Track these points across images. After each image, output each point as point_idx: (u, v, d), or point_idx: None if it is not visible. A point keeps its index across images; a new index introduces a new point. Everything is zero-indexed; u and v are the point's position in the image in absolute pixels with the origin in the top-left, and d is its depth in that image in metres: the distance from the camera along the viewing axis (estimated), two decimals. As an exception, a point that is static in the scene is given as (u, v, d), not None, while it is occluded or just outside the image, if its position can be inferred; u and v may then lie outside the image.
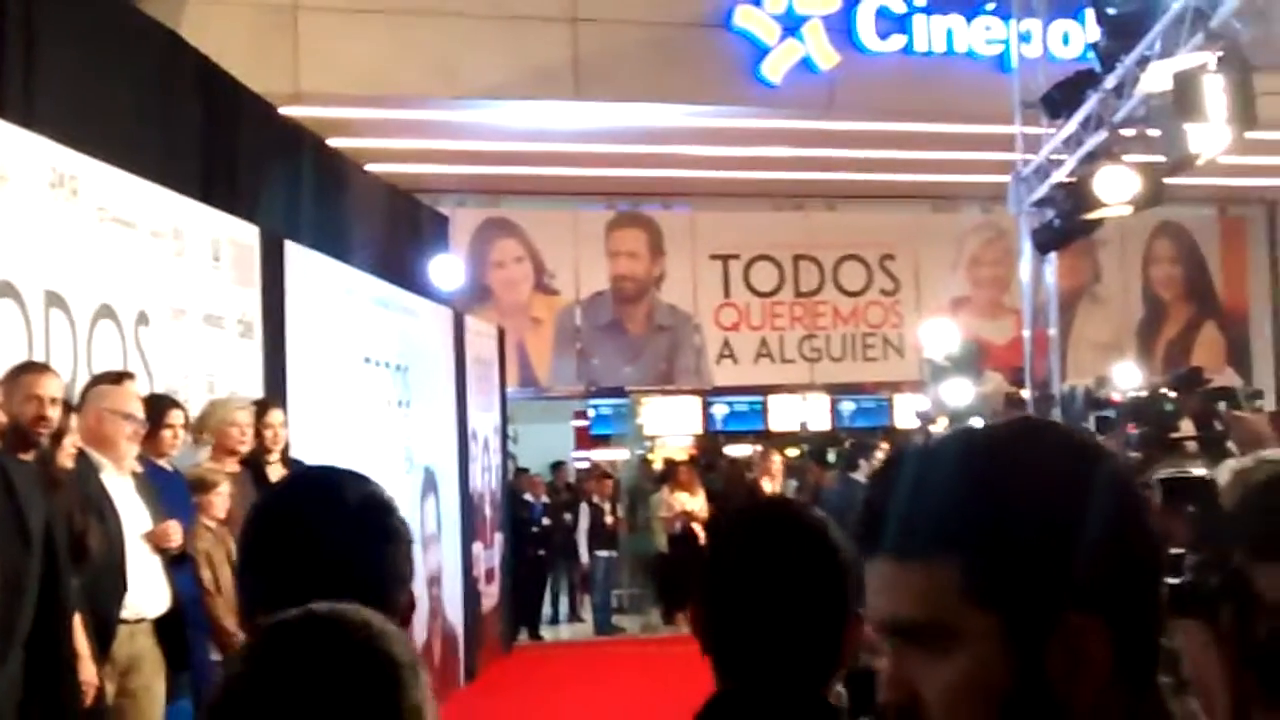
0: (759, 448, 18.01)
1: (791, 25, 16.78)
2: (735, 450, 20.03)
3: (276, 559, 1.85)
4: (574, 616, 16.86)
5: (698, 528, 14.96)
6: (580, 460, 19.84)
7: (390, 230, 12.71)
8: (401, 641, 1.44)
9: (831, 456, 15.08)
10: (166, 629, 5.71)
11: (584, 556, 16.13)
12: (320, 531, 1.86)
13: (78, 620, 5.18)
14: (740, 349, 20.70)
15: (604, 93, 15.48)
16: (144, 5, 7.89)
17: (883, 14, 17.11)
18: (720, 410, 21.11)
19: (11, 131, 5.87)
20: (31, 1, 6.48)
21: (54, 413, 5.16)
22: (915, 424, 18.89)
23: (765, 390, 21.02)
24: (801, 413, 20.80)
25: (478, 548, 13.17)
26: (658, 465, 18.72)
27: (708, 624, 2.09)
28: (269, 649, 1.40)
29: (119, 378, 5.90)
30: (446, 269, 13.70)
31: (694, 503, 15.34)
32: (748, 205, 20.12)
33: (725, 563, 2.12)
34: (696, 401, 21.00)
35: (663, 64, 15.52)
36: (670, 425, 21.06)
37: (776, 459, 14.66)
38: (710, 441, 20.51)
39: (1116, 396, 12.90)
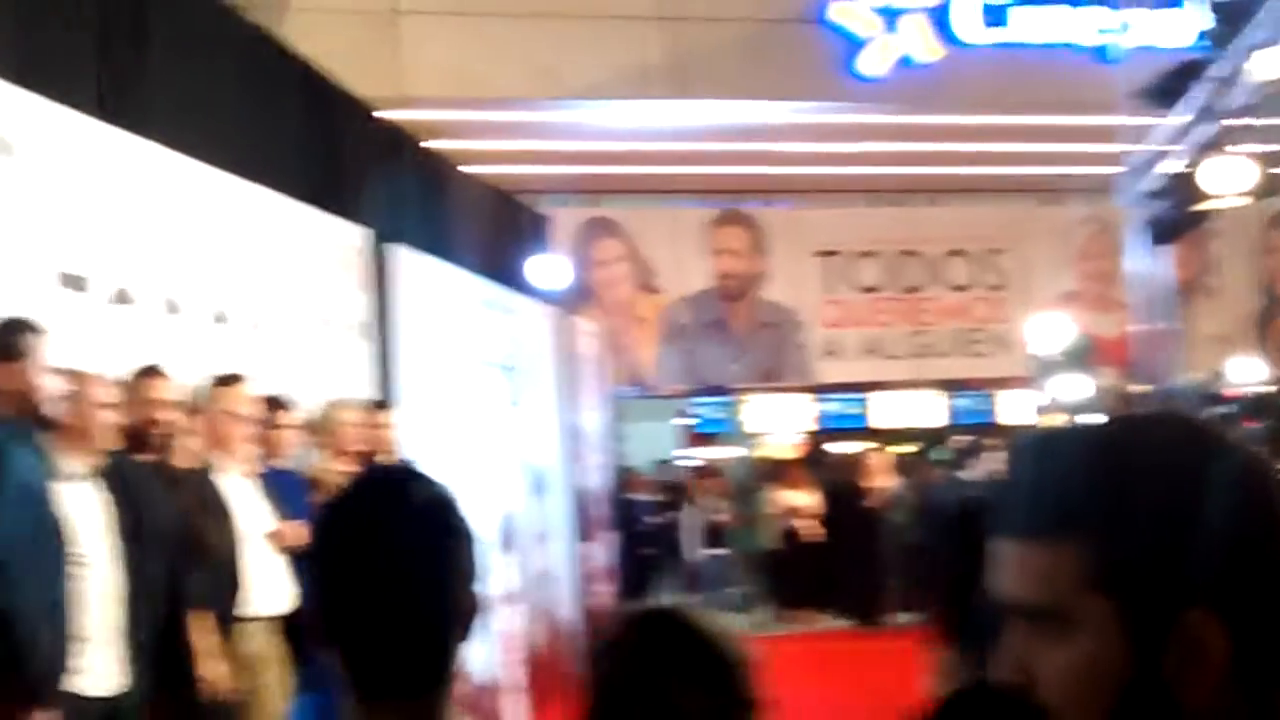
0: (865, 445, 17.91)
1: (888, 19, 16.66)
2: (838, 448, 19.91)
3: (341, 556, 1.86)
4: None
5: (802, 524, 14.90)
6: (686, 459, 19.82)
7: (493, 231, 12.76)
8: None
9: (937, 454, 14.97)
10: (289, 626, 5.77)
11: (692, 555, 16.10)
12: (383, 528, 1.86)
13: (201, 618, 5.25)
14: (844, 346, 20.56)
15: (702, 90, 15.46)
16: (249, 13, 7.98)
17: (984, 7, 16.94)
18: (824, 407, 20.99)
19: (126, 139, 5.96)
20: (141, 12, 6.58)
21: (170, 416, 5.23)
22: (1023, 420, 18.69)
23: (869, 387, 20.86)
24: (906, 409, 20.65)
25: (587, 546, 13.18)
26: (765, 462, 18.66)
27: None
28: (637, 638, 1.56)
29: (234, 380, 5.98)
30: (549, 269, 13.74)
31: (802, 500, 15.26)
32: (849, 201, 19.99)
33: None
34: (801, 399, 20.90)
35: (759, 60, 15.47)
36: (774, 423, 20.98)
37: (882, 456, 14.53)
38: (815, 439, 20.40)
39: (1232, 391, 12.65)
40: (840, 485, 15.71)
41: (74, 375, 4.62)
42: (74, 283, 5.40)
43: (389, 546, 1.84)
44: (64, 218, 5.35)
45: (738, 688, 1.57)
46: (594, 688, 1.53)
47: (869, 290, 20.70)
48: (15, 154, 5.05)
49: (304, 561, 1.93)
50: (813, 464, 17.53)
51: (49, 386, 4.33)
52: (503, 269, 12.05)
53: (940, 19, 16.96)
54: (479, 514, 9.12)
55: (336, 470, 6.68)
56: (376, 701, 1.75)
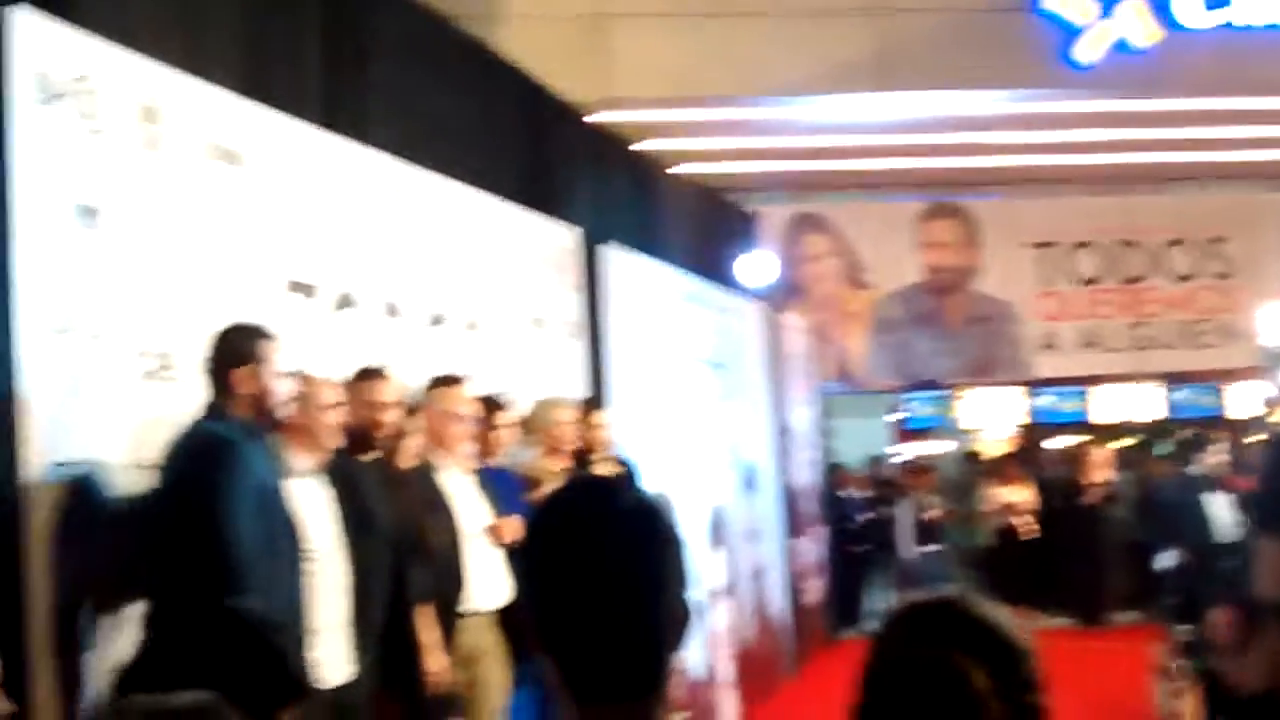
0: (1083, 439, 17.53)
1: (1105, 4, 16.26)
2: (1055, 443, 19.53)
3: (553, 564, 1.90)
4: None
5: (1018, 521, 14.66)
6: (898, 454, 19.65)
7: (701, 229, 12.85)
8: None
9: (1160, 448, 14.57)
10: (508, 620, 5.91)
11: (906, 551, 15.97)
12: (596, 536, 1.89)
13: (424, 612, 5.42)
14: (1063, 339, 20.13)
15: (911, 82, 15.27)
16: (464, 23, 8.19)
17: (1203, -11, 16.41)
18: (1041, 402, 20.59)
19: (348, 148, 6.18)
20: (362, 24, 6.81)
21: (392, 416, 5.40)
22: (1251, 413, 18.08)
23: (1088, 381, 20.39)
24: (1126, 403, 20.13)
25: (798, 542, 13.19)
26: (979, 458, 18.40)
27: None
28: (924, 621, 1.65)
29: (454, 381, 6.14)
30: (757, 265, 13.78)
31: (1018, 496, 15.01)
32: (1065, 191, 19.55)
33: None
34: (1016, 393, 20.54)
35: (969, 50, 15.22)
36: (989, 418, 20.65)
37: (1102, 450, 14.18)
38: (1030, 434, 20.04)
39: None
40: (1057, 481, 15.42)
41: (302, 378, 4.81)
42: (302, 289, 5.63)
43: (602, 554, 1.88)
44: (291, 226, 5.57)
45: (1025, 672, 1.60)
46: (877, 670, 1.59)
47: (1087, 282, 20.22)
48: (244, 165, 5.29)
49: (519, 560, 2.00)
50: (1028, 459, 17.23)
51: (281, 389, 4.53)
52: (711, 266, 12.13)
53: (1159, 3, 16.49)
54: (689, 510, 9.21)
55: (550, 468, 6.83)
56: (592, 705, 1.79)
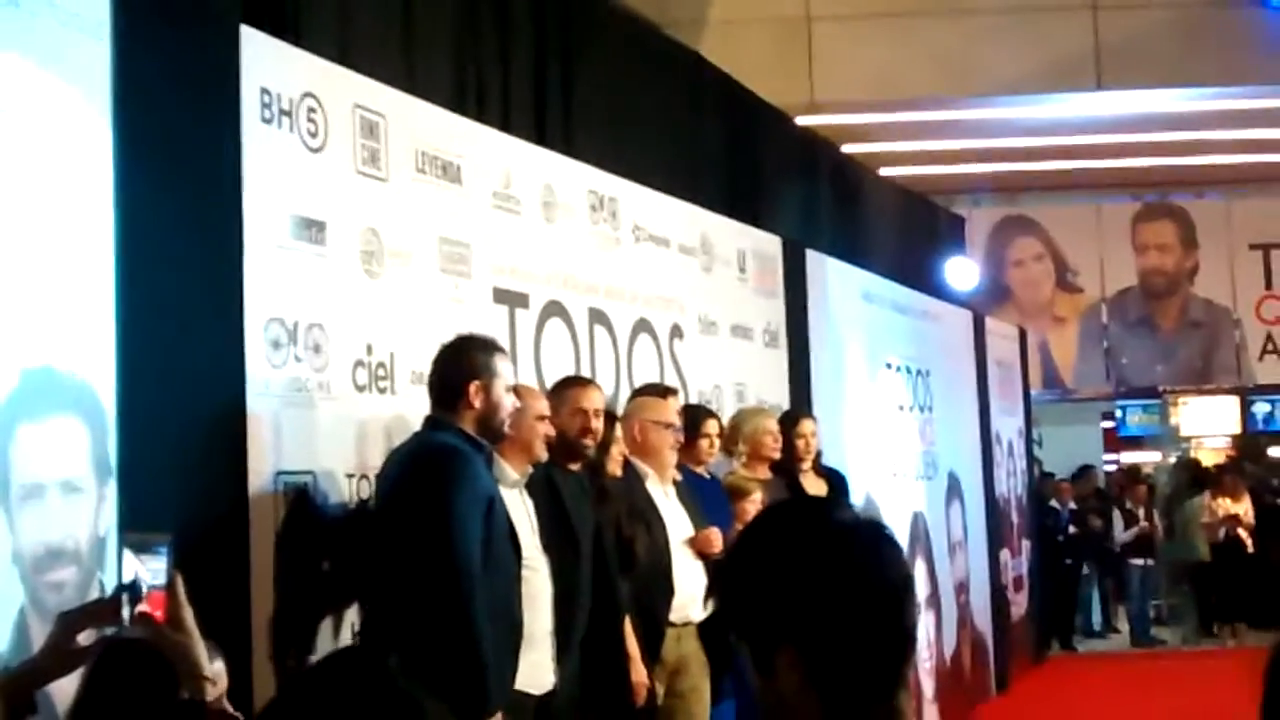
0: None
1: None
2: (1277, 452, 18.97)
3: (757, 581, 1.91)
4: (1108, 627, 16.34)
5: (1244, 534, 14.26)
6: (1109, 464, 19.25)
7: (906, 233, 12.76)
8: None
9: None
10: (711, 632, 5.97)
11: (1116, 565, 15.64)
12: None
13: (628, 624, 5.50)
14: (1285, 344, 19.52)
15: (1128, 80, 14.94)
16: (669, 30, 8.28)
17: None
18: (1262, 409, 20.00)
19: (556, 160, 6.32)
20: (569, 36, 6.94)
21: (598, 424, 5.49)
22: None
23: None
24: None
25: (1005, 555, 13.01)
26: (1196, 467, 17.94)
27: None
28: None
29: (662, 390, 6.21)
30: (963, 270, 13.62)
31: (1238, 508, 14.59)
32: (1288, 190, 18.96)
33: None
34: (1235, 401, 20.00)
35: (1191, 47, 14.82)
36: (1206, 426, 20.15)
37: None
38: (1251, 443, 19.47)
39: None
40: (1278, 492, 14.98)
41: (517, 390, 4.94)
42: (511, 299, 5.77)
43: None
44: (501, 236, 5.71)
45: None
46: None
47: (1312, 284, 19.59)
48: (459, 178, 5.44)
49: (734, 568, 2.01)
50: (1247, 470, 16.74)
51: (508, 404, 4.63)
52: (917, 271, 12.05)
53: (1393, -9, 15.86)
54: (891, 521, 9.18)
55: (753, 478, 6.87)
56: (845, 703, 1.80)
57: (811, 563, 1.83)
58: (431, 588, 4.27)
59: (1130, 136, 16.53)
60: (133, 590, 2.54)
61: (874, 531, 1.91)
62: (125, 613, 2.53)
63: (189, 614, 2.59)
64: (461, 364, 4.57)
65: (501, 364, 4.62)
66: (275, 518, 4.32)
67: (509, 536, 4.62)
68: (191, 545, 4.08)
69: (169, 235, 4.09)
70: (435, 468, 4.39)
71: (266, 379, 4.34)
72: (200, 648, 2.61)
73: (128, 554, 2.60)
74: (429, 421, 4.59)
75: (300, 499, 4.42)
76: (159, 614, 2.54)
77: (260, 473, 4.28)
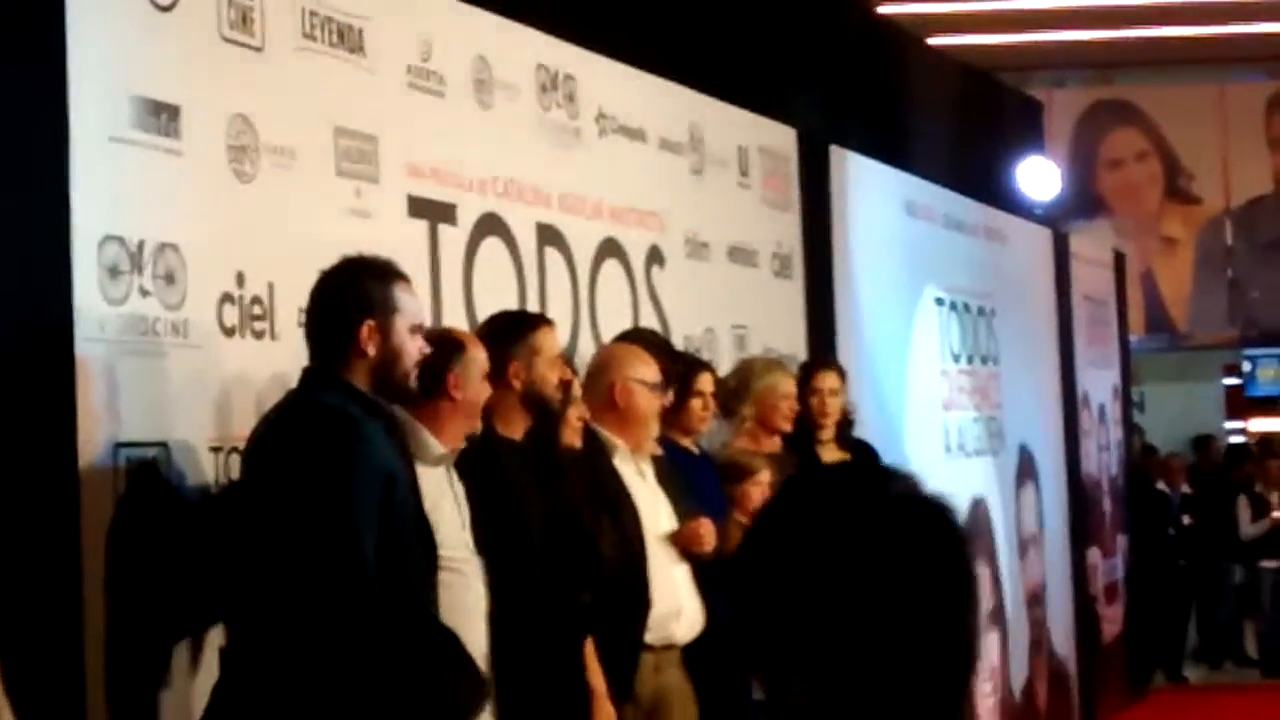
0: None
1: None
2: None
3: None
4: (1233, 651, 16.46)
5: None
6: (1235, 434, 19.35)
7: (965, 125, 12.75)
8: None
9: None
10: (699, 658, 5.98)
11: (1245, 565, 15.73)
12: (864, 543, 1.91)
13: (590, 647, 5.51)
14: None
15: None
16: None
17: None
18: None
19: (492, 22, 6.28)
20: None
21: (557, 376, 5.49)
22: None
23: None
24: None
25: (1094, 555, 13.09)
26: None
27: None
28: None
29: (637, 335, 6.22)
30: (1041, 174, 13.64)
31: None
32: None
33: None
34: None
35: None
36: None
37: None
38: None
39: None
40: None
41: (444, 335, 4.94)
42: (431, 210, 5.76)
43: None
44: (423, 130, 5.70)
45: None
46: None
47: None
48: (366, 52, 5.43)
49: (739, 573, 2.02)
50: None
51: (413, 350, 4.61)
52: (980, 176, 12.06)
53: None
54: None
55: (759, 451, 6.88)
56: None
57: (851, 558, 1.83)
58: (308, 603, 4.26)
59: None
60: None
61: (937, 514, 1.91)
62: None
63: None
64: (349, 298, 4.55)
65: (404, 297, 4.60)
66: (113, 504, 4.31)
67: (418, 530, 4.61)
68: (4, 544, 4.10)
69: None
70: (313, 440, 4.38)
71: (102, 318, 4.33)
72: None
73: None
74: (307, 376, 4.57)
75: (146, 479, 4.41)
76: None
77: (93, 444, 4.27)
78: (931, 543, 1.88)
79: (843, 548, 1.85)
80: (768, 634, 1.86)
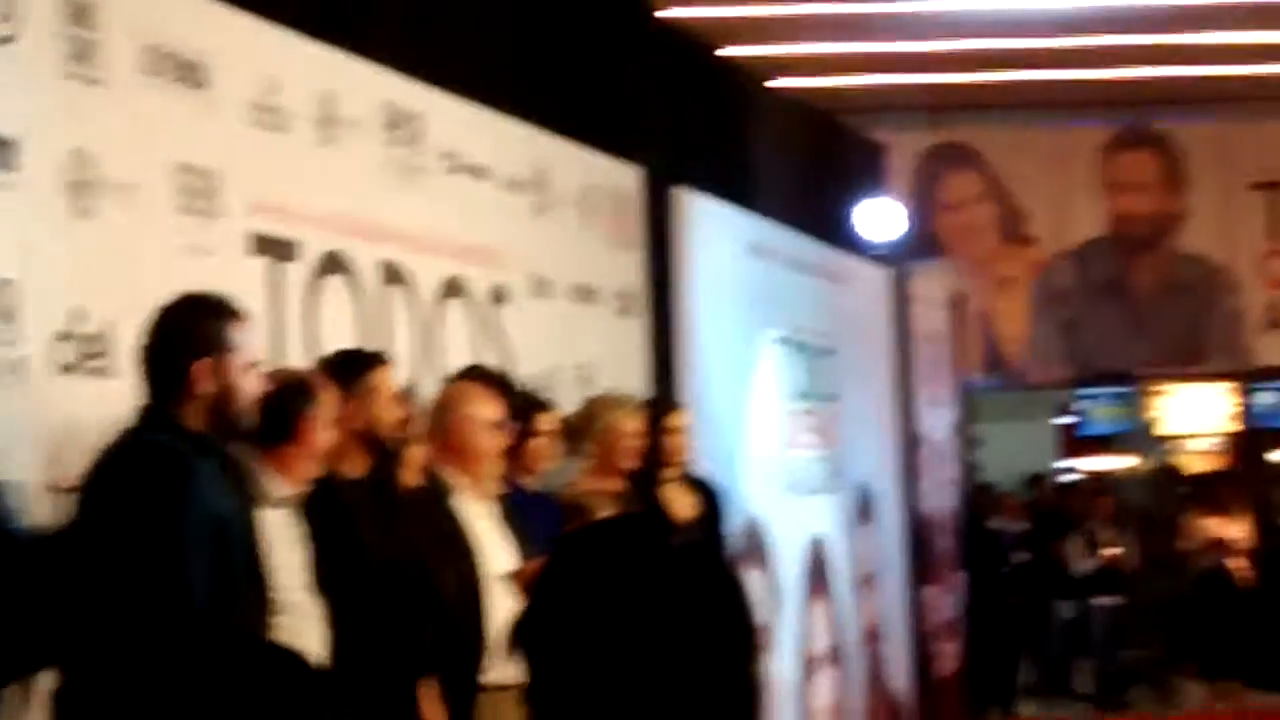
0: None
1: None
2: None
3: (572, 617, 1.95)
4: (1064, 686, 16.68)
5: (1235, 564, 14.64)
6: (1068, 472, 19.62)
7: (807, 166, 12.86)
8: None
9: None
10: (540, 698, 5.98)
11: (1075, 603, 15.95)
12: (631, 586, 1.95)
13: (430, 685, 5.50)
14: (1298, 315, 20.12)
15: (1096, -35, 15.26)
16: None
17: None
18: (1265, 399, 20.57)
19: (338, 60, 6.27)
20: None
21: (396, 416, 5.49)
22: None
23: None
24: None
25: (931, 592, 13.21)
26: (1181, 476, 18.39)
27: None
28: None
29: (479, 373, 6.22)
30: (882, 215, 13.77)
31: (1233, 529, 14.97)
32: (1305, 113, 19.48)
33: None
34: (1230, 389, 20.53)
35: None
36: (1195, 422, 20.64)
37: None
38: (1250, 444, 20.01)
39: None
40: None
41: (302, 378, 4.91)
42: (273, 248, 5.73)
43: (641, 613, 1.93)
44: (267, 166, 5.67)
45: None
46: None
47: (1336, 237, 20.19)
48: (211, 86, 5.39)
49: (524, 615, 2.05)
50: (1248, 480, 17.17)
51: (250, 388, 4.58)
52: (821, 217, 12.16)
53: None
54: (782, 548, 9.27)
55: (602, 490, 6.89)
56: None
57: (621, 608, 1.87)
58: (139, 644, 4.21)
59: (1099, 38, 16.85)
60: None
61: (710, 563, 1.96)
62: None
63: None
64: (184, 335, 4.49)
65: (240, 335, 4.57)
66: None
67: (258, 569, 4.57)
68: None
69: None
70: (139, 479, 4.32)
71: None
72: None
73: None
74: (141, 414, 4.51)
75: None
76: None
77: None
78: (711, 594, 1.92)
79: (626, 601, 1.89)
80: (560, 688, 1.91)
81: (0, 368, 4.49)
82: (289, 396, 4.81)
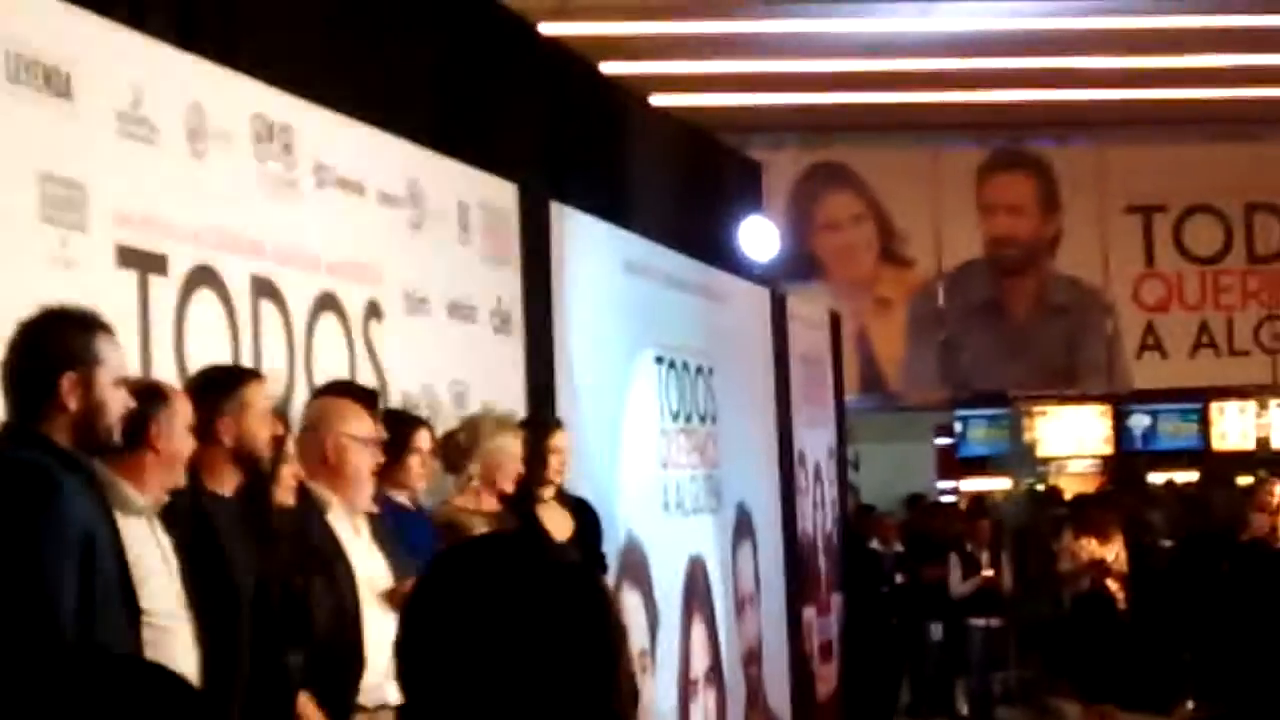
0: (1196, 475, 17.71)
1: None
2: (1160, 477, 19.72)
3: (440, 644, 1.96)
4: (941, 707, 16.76)
5: (1113, 586, 14.76)
6: (945, 493, 19.74)
7: (686, 184, 12.86)
8: None
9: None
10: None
11: (953, 625, 16.03)
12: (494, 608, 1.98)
13: (304, 703, 5.44)
14: (1170, 337, 20.33)
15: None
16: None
17: None
18: (1140, 423, 20.79)
19: (207, 70, 6.20)
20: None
21: (265, 432, 5.44)
22: None
23: (1207, 394, 20.59)
24: (1260, 425, 20.41)
25: (809, 613, 13.24)
26: (1058, 497, 18.53)
27: None
28: None
29: (352, 390, 6.17)
30: (760, 235, 13.79)
31: (1107, 551, 15.10)
32: (1178, 136, 19.72)
33: None
34: (1104, 412, 20.74)
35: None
36: (1070, 443, 20.84)
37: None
38: (1125, 466, 20.21)
39: None
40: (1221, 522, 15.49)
41: (147, 386, 4.82)
42: (140, 261, 5.66)
43: (506, 640, 1.93)
44: (134, 179, 5.60)
45: None
46: None
47: (1206, 260, 20.42)
48: (74, 96, 5.32)
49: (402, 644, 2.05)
50: (1124, 503, 17.32)
51: (116, 404, 4.53)
52: (699, 235, 12.17)
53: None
54: (659, 569, 9.25)
55: (476, 510, 6.87)
56: None
57: (499, 627, 1.89)
58: (3, 665, 4.14)
59: (976, 61, 17.01)
60: None
61: (582, 580, 1.97)
62: None
63: None
64: (49, 349, 4.46)
65: (107, 348, 4.52)
66: None
67: (119, 586, 4.51)
68: None
69: None
70: (3, 498, 4.29)
71: None
72: None
73: None
74: (6, 431, 4.48)
75: None
76: None
77: None
78: (578, 606, 1.95)
79: (497, 615, 1.91)
80: (435, 710, 1.91)
81: None
82: (139, 404, 4.72)
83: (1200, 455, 20.44)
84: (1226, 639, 13.80)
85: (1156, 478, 19.77)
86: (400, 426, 6.45)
